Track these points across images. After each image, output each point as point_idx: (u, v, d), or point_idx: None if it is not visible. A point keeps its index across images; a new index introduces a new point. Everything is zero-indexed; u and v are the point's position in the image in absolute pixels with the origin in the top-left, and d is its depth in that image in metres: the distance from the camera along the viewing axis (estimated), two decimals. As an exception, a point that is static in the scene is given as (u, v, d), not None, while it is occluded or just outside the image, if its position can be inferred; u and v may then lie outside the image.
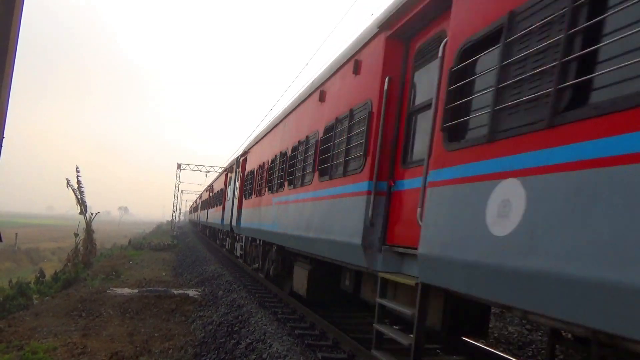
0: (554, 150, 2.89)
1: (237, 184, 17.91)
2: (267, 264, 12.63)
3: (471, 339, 7.10)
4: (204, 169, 55.29)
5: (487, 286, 3.47)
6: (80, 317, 12.43)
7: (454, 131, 4.09)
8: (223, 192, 23.37)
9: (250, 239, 15.36)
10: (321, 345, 7.49)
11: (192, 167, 56.83)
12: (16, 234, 53.07)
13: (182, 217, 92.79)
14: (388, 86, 5.59)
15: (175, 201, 60.38)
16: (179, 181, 58.04)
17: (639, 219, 2.32)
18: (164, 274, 21.25)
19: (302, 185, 8.78)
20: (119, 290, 15.74)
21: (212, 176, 44.11)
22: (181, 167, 56.98)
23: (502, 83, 3.47)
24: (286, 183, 10.03)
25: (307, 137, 8.81)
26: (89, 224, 30.28)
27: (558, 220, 2.78)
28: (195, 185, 67.43)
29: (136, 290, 15.63)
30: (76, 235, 29.34)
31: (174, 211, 62.54)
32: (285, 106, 11.34)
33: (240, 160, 17.98)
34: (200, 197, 50.05)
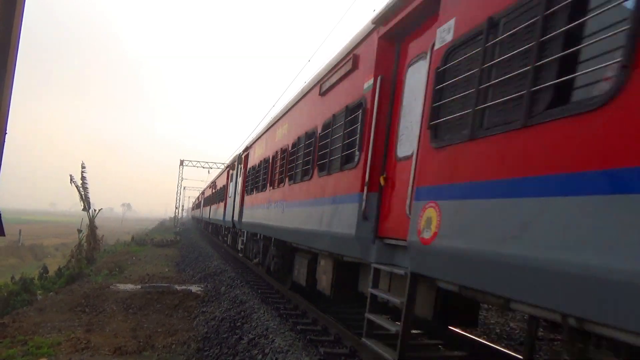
0: None
1: None
2: None
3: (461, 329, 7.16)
4: (206, 165, 55.54)
5: None
6: (83, 312, 12.49)
7: None
8: None
9: None
10: (323, 340, 7.51)
11: (194, 163, 56.97)
12: (20, 230, 53.35)
13: (184, 214, 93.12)
14: None
15: (178, 197, 60.65)
16: (182, 178, 58.22)
17: None
18: (166, 270, 21.32)
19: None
20: (122, 286, 15.80)
21: (214, 173, 44.04)
22: (184, 164, 57.13)
23: None
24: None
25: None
26: (92, 220, 30.38)
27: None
28: (198, 182, 67.64)
29: (139, 286, 15.69)
30: (79, 231, 29.49)
31: (176, 207, 62.87)
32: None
33: None
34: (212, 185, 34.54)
